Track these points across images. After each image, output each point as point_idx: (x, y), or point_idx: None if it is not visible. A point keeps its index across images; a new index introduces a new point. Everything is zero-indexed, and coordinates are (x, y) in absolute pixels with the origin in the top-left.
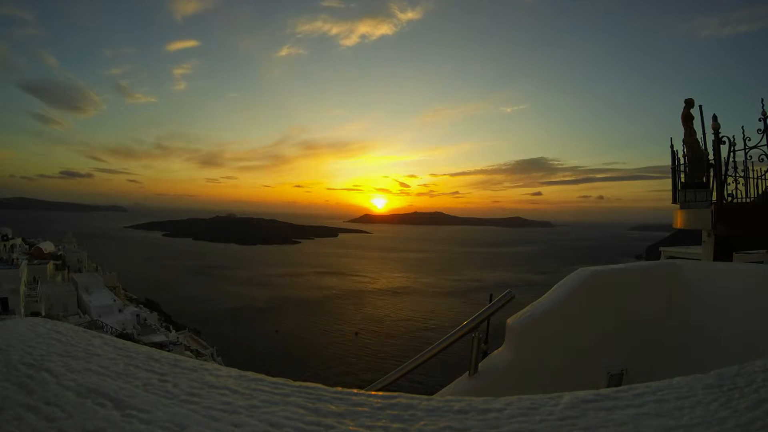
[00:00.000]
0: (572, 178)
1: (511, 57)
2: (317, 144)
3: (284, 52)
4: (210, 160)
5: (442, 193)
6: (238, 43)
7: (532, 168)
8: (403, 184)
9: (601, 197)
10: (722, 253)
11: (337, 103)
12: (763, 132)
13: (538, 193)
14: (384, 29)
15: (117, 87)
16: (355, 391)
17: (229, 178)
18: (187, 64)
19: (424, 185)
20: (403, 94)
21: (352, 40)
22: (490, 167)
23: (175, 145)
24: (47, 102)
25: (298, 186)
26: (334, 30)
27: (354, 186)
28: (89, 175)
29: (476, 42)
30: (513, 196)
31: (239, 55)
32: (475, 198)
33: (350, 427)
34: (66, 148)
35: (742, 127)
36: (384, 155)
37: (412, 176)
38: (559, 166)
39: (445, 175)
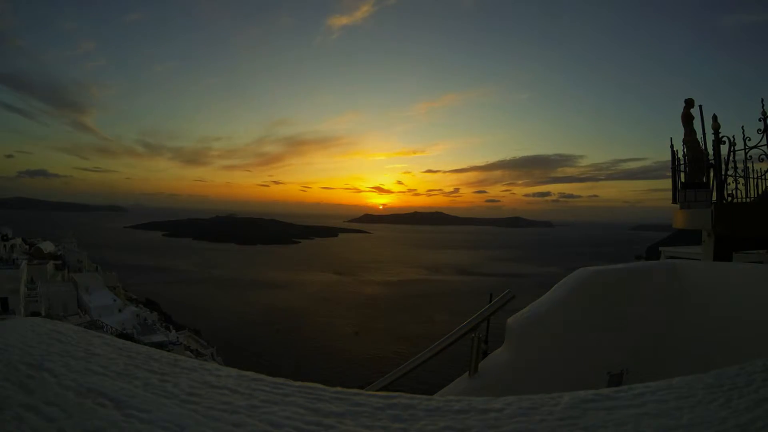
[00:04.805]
0: (573, 177)
1: (513, 47)
2: (306, 140)
3: (259, 28)
4: (195, 159)
5: (441, 191)
6: (205, 12)
7: (532, 166)
8: (400, 182)
9: (609, 198)
10: (722, 253)
11: (325, 91)
12: (763, 132)
13: (539, 193)
14: None
15: (92, 76)
16: (355, 391)
17: (218, 177)
18: (150, 40)
19: (422, 183)
20: (400, 78)
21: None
22: (490, 164)
23: (158, 143)
24: (20, 92)
25: (293, 184)
26: None
27: (346, 185)
28: (68, 176)
29: (478, 27)
30: (513, 195)
31: (208, 27)
32: (474, 197)
33: (350, 427)
34: (45, 145)
35: (742, 127)
36: (379, 152)
37: (407, 173)
38: (560, 165)
39: (441, 171)
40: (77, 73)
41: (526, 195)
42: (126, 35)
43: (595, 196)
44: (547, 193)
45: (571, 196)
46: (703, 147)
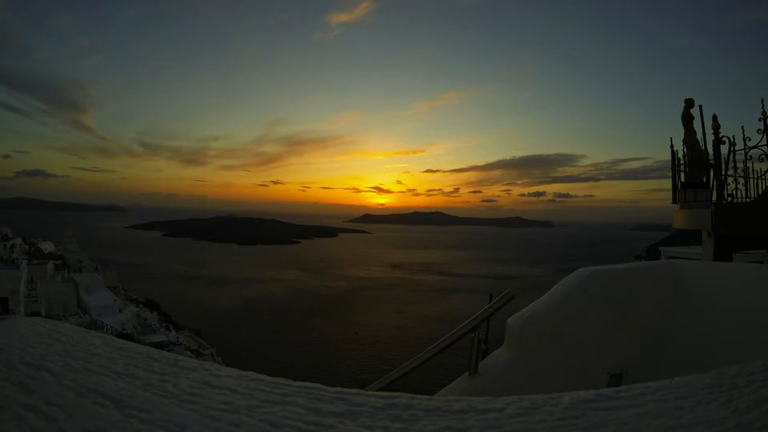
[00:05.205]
0: (573, 177)
1: (515, 46)
2: (305, 140)
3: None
4: (194, 159)
5: (441, 191)
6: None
7: (532, 165)
8: (399, 182)
9: (609, 198)
10: (722, 253)
11: (323, 89)
12: (763, 132)
13: (539, 193)
14: None
15: (89, 74)
16: (355, 391)
17: (217, 177)
18: (150, 38)
19: (422, 183)
20: (399, 77)
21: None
22: (490, 164)
23: (156, 142)
24: (17, 90)
25: (292, 184)
26: None
27: (346, 185)
28: (66, 176)
29: (479, 24)
30: (513, 195)
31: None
32: (474, 197)
33: (350, 427)
34: (43, 144)
35: (742, 127)
36: (378, 152)
37: (407, 173)
38: (560, 165)
39: (441, 171)
40: (74, 71)
41: (526, 195)
42: (122, 32)
43: (591, 195)
44: (547, 193)
45: (570, 196)
46: (703, 147)
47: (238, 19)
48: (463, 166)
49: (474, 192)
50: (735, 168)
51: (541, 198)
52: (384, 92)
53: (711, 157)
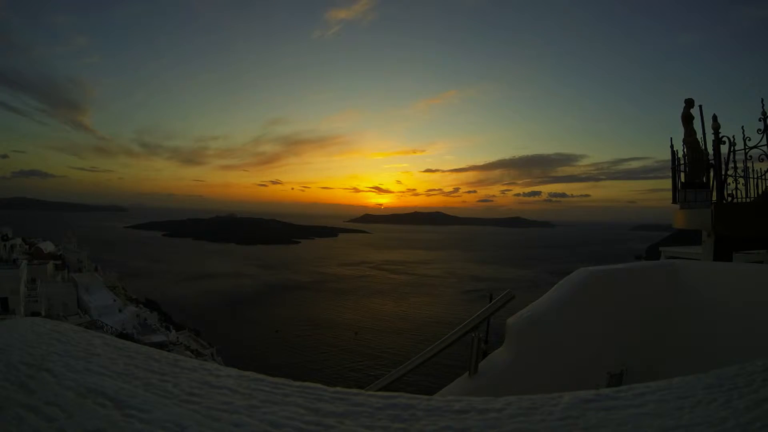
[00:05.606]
0: (574, 176)
1: (515, 44)
2: (304, 139)
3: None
4: (193, 159)
5: (441, 191)
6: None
7: (532, 165)
8: (399, 182)
9: (609, 198)
10: (722, 253)
11: (322, 88)
12: (763, 132)
13: (539, 193)
14: None
15: (87, 73)
16: (355, 391)
17: (216, 177)
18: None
19: (421, 183)
20: (400, 75)
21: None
22: (490, 164)
23: (155, 142)
24: (15, 90)
25: (291, 184)
26: None
27: (345, 185)
28: (64, 176)
29: (479, 22)
30: (513, 195)
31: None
32: (474, 197)
33: (350, 427)
34: (42, 144)
35: (742, 127)
36: (378, 151)
37: (407, 172)
38: (561, 164)
39: (440, 171)
40: (72, 70)
41: (526, 195)
42: (121, 31)
43: (587, 195)
44: (547, 193)
45: (570, 196)
46: (703, 147)
47: (238, 19)
48: (463, 165)
49: (474, 192)
50: (735, 168)
51: (537, 198)
52: (383, 91)
53: (711, 157)
